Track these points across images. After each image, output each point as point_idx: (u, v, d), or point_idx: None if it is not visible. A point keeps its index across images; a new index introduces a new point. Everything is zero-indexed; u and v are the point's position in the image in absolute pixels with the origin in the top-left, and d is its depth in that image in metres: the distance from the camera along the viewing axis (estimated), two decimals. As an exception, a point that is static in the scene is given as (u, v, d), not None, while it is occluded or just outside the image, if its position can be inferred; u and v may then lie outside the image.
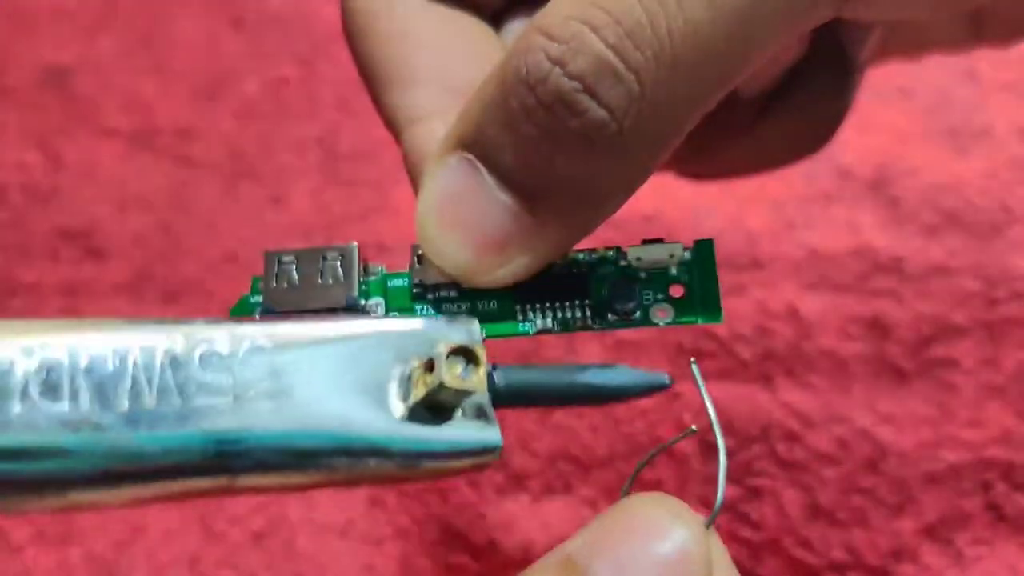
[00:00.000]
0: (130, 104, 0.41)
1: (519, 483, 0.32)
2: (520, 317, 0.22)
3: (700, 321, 0.22)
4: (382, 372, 0.19)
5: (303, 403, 0.18)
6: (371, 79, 0.23)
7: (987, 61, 0.39)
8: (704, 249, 0.22)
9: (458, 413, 0.19)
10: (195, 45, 0.42)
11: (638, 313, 0.22)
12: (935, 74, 0.39)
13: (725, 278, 0.32)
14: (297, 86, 0.41)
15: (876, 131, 0.38)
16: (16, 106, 0.41)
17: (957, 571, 0.30)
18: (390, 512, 0.32)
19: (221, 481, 0.17)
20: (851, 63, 0.25)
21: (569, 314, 0.22)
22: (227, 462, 0.17)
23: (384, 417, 0.18)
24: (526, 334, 0.22)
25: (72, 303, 0.36)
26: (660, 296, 0.22)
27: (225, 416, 0.17)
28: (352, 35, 0.23)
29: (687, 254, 0.22)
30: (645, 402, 0.33)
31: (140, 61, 0.42)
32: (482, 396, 0.19)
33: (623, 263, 0.22)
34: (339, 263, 0.22)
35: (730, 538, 0.31)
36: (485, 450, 0.19)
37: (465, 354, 0.18)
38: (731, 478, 0.32)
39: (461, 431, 0.19)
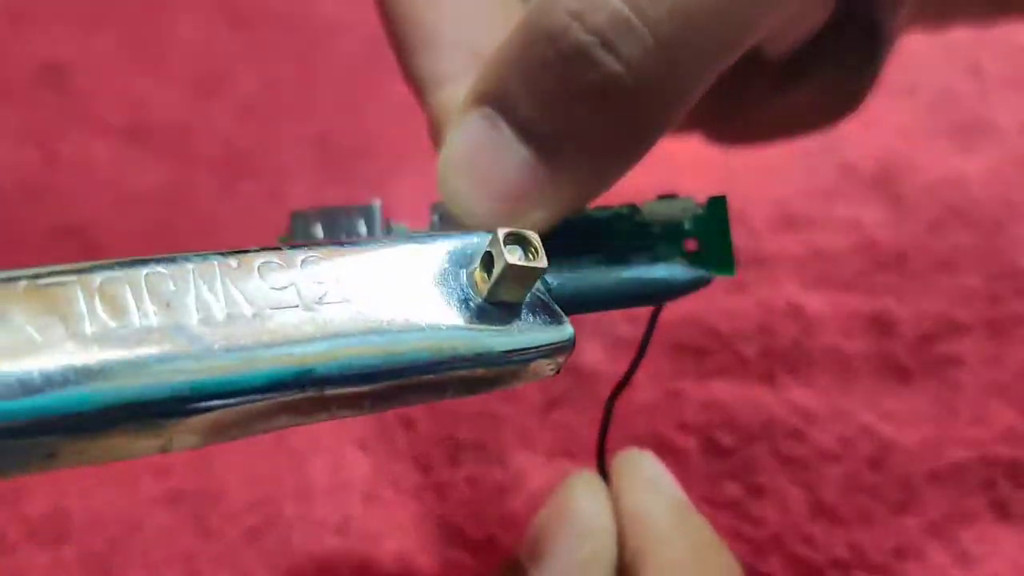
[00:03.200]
0: (127, 101, 0.41)
1: (518, 480, 0.32)
2: None
3: (714, 274, 0.22)
4: (440, 281, 0.18)
5: (373, 312, 0.17)
6: (398, 43, 0.24)
7: (991, 57, 0.39)
8: (717, 205, 0.22)
9: (523, 311, 0.18)
10: (192, 42, 0.42)
11: None
12: (939, 70, 0.39)
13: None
14: (294, 83, 0.41)
15: (879, 127, 0.38)
16: (12, 103, 0.41)
17: (961, 569, 0.30)
18: (387, 509, 0.32)
19: (309, 394, 0.16)
20: (880, 31, 0.25)
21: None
22: (312, 377, 0.16)
23: (455, 321, 0.18)
24: None
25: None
26: (674, 251, 0.22)
27: (302, 325, 0.16)
28: (383, 1, 0.24)
29: (701, 209, 0.22)
30: (645, 399, 0.33)
31: (137, 58, 0.42)
32: (543, 292, 0.19)
33: (638, 218, 0.22)
34: (362, 221, 0.22)
35: (733, 535, 0.31)
36: (562, 343, 0.18)
37: (520, 241, 0.18)
38: (734, 476, 0.32)
39: (533, 326, 0.18)
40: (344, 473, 0.33)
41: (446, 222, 0.23)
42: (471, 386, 0.18)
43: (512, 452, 0.33)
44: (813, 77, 0.26)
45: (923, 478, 0.31)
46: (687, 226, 0.23)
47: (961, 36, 0.39)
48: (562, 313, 0.19)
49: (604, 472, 0.24)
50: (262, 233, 0.37)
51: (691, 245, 0.23)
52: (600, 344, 0.34)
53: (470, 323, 0.18)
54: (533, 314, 0.19)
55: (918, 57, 0.39)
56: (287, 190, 0.38)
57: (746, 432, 0.32)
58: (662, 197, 0.23)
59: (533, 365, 0.18)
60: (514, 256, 0.18)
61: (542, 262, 0.18)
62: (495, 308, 0.18)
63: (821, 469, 0.32)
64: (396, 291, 0.18)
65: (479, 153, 0.21)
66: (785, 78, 0.26)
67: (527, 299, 0.19)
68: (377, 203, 0.23)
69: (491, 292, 0.18)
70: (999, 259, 0.35)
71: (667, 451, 0.32)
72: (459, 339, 0.17)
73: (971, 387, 0.33)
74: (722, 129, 0.28)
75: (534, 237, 0.18)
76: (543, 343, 0.18)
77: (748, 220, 0.36)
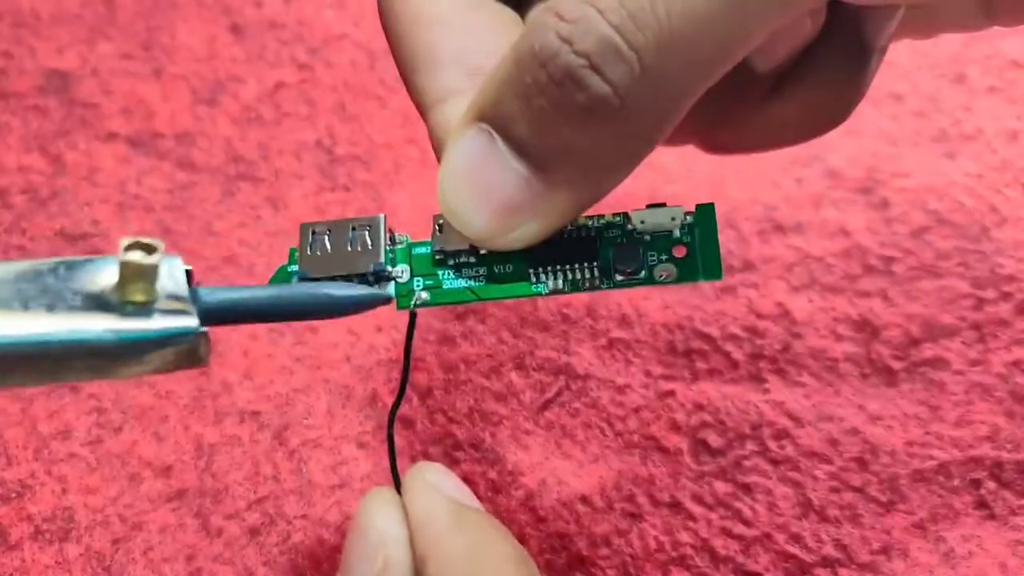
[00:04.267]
0: (131, 108, 0.41)
1: (513, 479, 0.33)
2: (533, 279, 0.24)
3: (701, 279, 0.23)
4: (84, 289, 0.21)
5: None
6: (402, 61, 0.25)
7: (976, 66, 0.40)
8: (705, 212, 0.23)
9: (156, 312, 0.21)
10: (194, 50, 0.42)
11: (643, 273, 0.23)
12: (925, 78, 0.39)
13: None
14: (295, 91, 0.41)
15: (866, 134, 0.38)
16: (18, 110, 0.41)
17: (947, 567, 0.31)
18: (385, 508, 0.32)
19: None
20: (868, 45, 0.26)
21: (579, 275, 0.23)
22: None
23: (86, 319, 0.20)
24: (539, 294, 0.24)
25: (72, 303, 0.36)
26: (664, 257, 0.23)
27: None
28: (386, 20, 0.25)
29: (689, 217, 0.23)
30: (637, 401, 0.33)
31: (140, 66, 0.42)
32: (179, 289, 0.21)
33: (629, 227, 0.24)
34: (367, 233, 0.24)
35: (723, 534, 0.31)
36: (181, 337, 0.21)
37: (142, 247, 0.20)
38: (724, 475, 0.32)
39: (157, 321, 0.21)
40: (343, 471, 0.33)
41: (447, 232, 0.24)
42: (92, 370, 0.20)
43: (507, 451, 0.33)
44: (803, 89, 0.27)
45: (909, 478, 0.32)
46: (676, 233, 0.24)
47: (947, 45, 0.40)
48: (193, 313, 0.21)
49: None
50: (262, 237, 0.37)
51: (680, 251, 0.24)
52: (592, 346, 0.35)
53: (96, 319, 0.20)
54: (165, 314, 0.21)
55: (904, 65, 0.40)
56: (287, 196, 0.39)
57: (735, 432, 0.33)
58: (652, 206, 0.24)
59: (153, 355, 0.21)
60: (132, 255, 0.20)
61: (155, 260, 0.20)
62: (129, 308, 0.20)
63: (809, 469, 0.32)
64: (32, 298, 0.20)
65: (476, 168, 0.22)
66: (775, 90, 0.27)
67: (164, 303, 0.21)
68: (382, 216, 0.24)
69: (122, 292, 0.20)
70: (984, 264, 0.35)
71: (659, 451, 0.33)
72: (74, 329, 0.20)
73: (956, 389, 0.33)
74: (714, 138, 0.29)
75: (156, 242, 0.20)
76: (160, 335, 0.21)
77: (737, 225, 0.36)
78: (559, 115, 0.20)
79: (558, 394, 0.34)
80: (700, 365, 0.34)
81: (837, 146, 0.38)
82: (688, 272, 0.24)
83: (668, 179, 0.37)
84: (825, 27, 0.26)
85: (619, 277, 0.24)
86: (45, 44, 0.43)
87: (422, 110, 0.24)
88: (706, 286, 0.35)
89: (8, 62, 0.42)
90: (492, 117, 0.21)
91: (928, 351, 0.34)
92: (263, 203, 0.39)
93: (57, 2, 0.44)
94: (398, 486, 0.23)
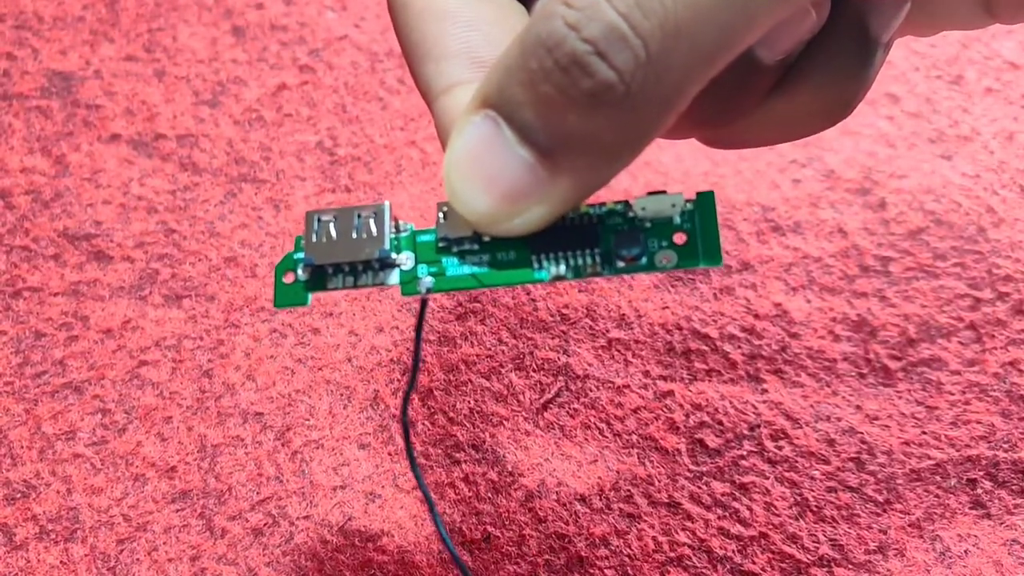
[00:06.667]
0: (133, 110, 0.41)
1: (513, 480, 0.33)
2: (536, 265, 0.24)
3: (702, 264, 0.23)
4: None
5: None
6: (409, 52, 0.25)
7: (973, 67, 0.40)
8: (705, 200, 0.24)
9: None
10: (196, 52, 0.43)
11: (644, 259, 0.23)
12: (922, 80, 0.40)
13: (714, 280, 0.33)
14: (296, 92, 0.41)
15: (863, 135, 0.38)
16: (21, 112, 0.41)
17: (943, 566, 0.31)
18: (387, 509, 0.33)
19: None
20: (873, 39, 0.26)
21: (581, 261, 0.24)
22: None
23: None
24: (542, 281, 0.24)
25: (76, 305, 0.37)
26: (664, 243, 0.24)
27: None
28: (394, 12, 0.25)
29: (689, 204, 0.23)
30: (636, 401, 0.34)
31: (143, 68, 0.42)
32: None
33: (630, 214, 0.24)
34: (372, 220, 0.24)
35: (720, 534, 0.31)
36: None
37: None
38: (722, 475, 0.32)
39: None
40: (345, 472, 0.33)
41: (451, 220, 0.24)
42: None
43: (507, 452, 0.33)
44: (807, 82, 0.27)
45: (906, 478, 0.32)
46: (677, 220, 0.24)
47: (944, 47, 0.40)
48: None
49: (418, 476, 0.26)
50: (264, 238, 0.38)
51: (680, 238, 0.24)
52: (591, 347, 0.35)
53: None
54: None
55: (901, 66, 0.40)
56: (289, 197, 0.39)
57: (733, 432, 0.33)
58: (652, 193, 0.24)
59: None
60: None
61: None
62: None
63: (806, 469, 0.32)
64: None
65: (482, 153, 0.22)
66: (780, 83, 0.27)
67: None
68: (386, 203, 0.25)
69: None
70: (981, 264, 0.35)
71: (657, 451, 0.33)
72: None
73: (953, 389, 0.33)
74: (718, 132, 0.29)
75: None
76: None
77: (735, 226, 0.37)
78: (565, 101, 0.20)
79: (557, 395, 0.34)
80: (698, 365, 0.34)
81: (834, 147, 0.38)
82: (688, 258, 0.24)
83: (666, 180, 0.38)
84: (830, 20, 0.26)
85: (621, 263, 0.24)
86: (48, 46, 0.43)
87: (428, 99, 0.24)
88: (704, 287, 0.35)
89: (11, 64, 0.43)
90: (498, 103, 0.21)
91: (925, 351, 0.34)
92: (265, 204, 0.39)
93: (60, 4, 0.44)
94: (414, 467, 0.24)
